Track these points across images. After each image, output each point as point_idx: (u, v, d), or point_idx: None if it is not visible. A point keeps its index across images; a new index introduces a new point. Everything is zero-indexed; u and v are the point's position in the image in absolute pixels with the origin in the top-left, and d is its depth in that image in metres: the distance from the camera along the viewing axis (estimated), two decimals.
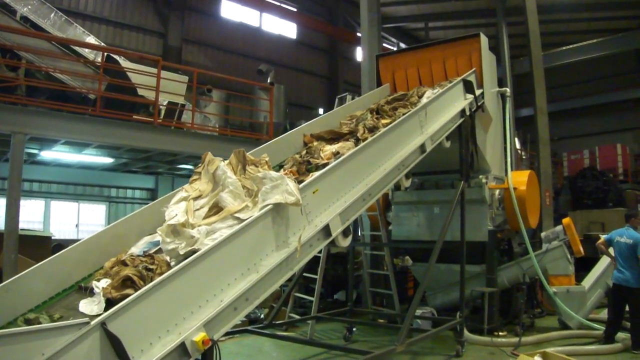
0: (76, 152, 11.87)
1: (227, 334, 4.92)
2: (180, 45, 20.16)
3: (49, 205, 16.67)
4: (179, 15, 20.27)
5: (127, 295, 3.36)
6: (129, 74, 11.10)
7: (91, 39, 12.87)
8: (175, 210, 4.49)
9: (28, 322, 3.65)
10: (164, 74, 11.11)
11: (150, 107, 11.25)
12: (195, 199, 4.71)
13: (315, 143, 6.70)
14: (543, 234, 9.77)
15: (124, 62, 12.06)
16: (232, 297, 3.65)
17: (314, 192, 4.61)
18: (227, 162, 4.97)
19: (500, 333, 8.62)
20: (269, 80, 18.10)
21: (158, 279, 3.31)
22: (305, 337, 8.66)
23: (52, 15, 11.92)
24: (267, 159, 5.31)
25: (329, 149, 6.28)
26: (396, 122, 6.33)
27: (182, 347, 3.25)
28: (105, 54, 11.31)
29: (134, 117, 11.00)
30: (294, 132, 6.99)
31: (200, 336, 3.32)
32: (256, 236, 4.06)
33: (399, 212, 10.25)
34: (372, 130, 6.73)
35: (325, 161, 5.84)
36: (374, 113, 7.70)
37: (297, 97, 24.05)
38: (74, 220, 17.31)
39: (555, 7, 19.14)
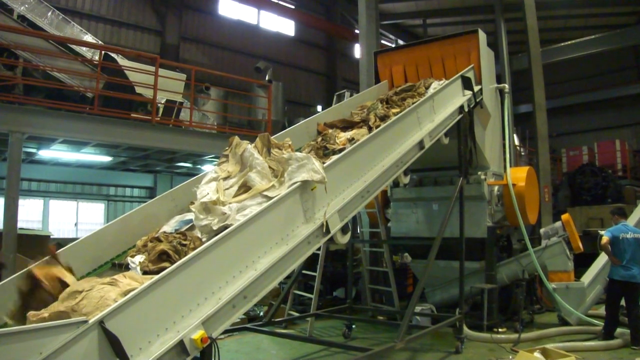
0: (74, 150, 11.85)
1: (225, 331, 4.93)
2: (178, 43, 20.13)
3: (48, 204, 16.66)
4: (177, 13, 20.24)
5: (164, 268, 3.58)
6: (126, 72, 11.08)
7: (89, 38, 12.83)
8: (207, 189, 4.77)
9: None
10: (161, 72, 11.08)
11: (148, 105, 11.23)
12: (225, 179, 5.01)
13: (330, 131, 6.95)
14: (542, 230, 9.78)
15: (121, 61, 12.02)
16: (231, 294, 3.65)
17: (312, 189, 4.61)
18: (253, 145, 5.23)
19: (500, 329, 8.63)
20: (267, 78, 18.08)
21: (156, 278, 3.30)
22: (305, 335, 8.67)
23: (50, 13, 11.88)
24: (290, 142, 5.57)
25: (344, 135, 6.62)
26: (393, 119, 6.34)
27: (180, 345, 3.24)
28: (103, 52, 11.28)
29: (132, 115, 10.98)
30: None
31: (198, 334, 3.31)
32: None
33: (397, 209, 10.24)
34: (383, 118, 7.01)
35: (341, 146, 6.15)
36: (384, 103, 7.87)
37: (295, 95, 24.03)
38: (73, 219, 17.30)
39: (553, 3, 19.15)
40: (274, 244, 4.14)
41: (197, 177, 5.31)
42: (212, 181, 4.96)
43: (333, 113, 7.71)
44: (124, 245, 4.75)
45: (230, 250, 3.81)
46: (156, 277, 3.33)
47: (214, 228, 4.27)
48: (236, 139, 5.39)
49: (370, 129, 6.71)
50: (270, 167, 4.92)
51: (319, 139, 6.74)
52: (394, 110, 7.38)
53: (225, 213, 4.34)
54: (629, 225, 8.15)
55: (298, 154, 4.89)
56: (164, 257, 4.08)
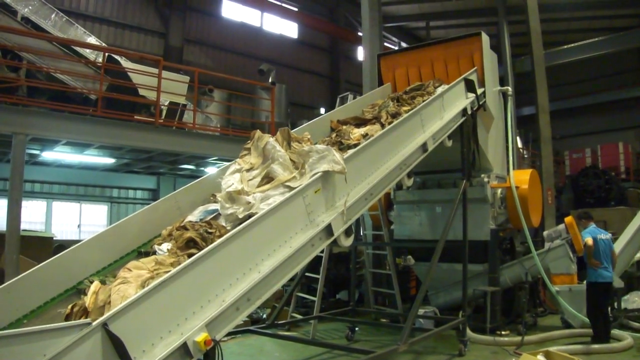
0: (77, 152, 11.87)
1: (229, 334, 4.95)
2: (182, 45, 20.16)
3: (51, 205, 16.66)
4: (180, 16, 20.27)
5: (192, 254, 3.81)
6: (130, 74, 11.10)
7: (92, 40, 12.88)
8: (231, 180, 5.04)
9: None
10: (165, 74, 11.10)
11: (151, 108, 11.25)
12: (248, 170, 5.28)
13: (344, 127, 7.16)
14: (545, 233, 9.74)
15: (125, 63, 12.06)
16: (234, 297, 3.65)
17: (315, 192, 4.61)
18: (274, 138, 5.49)
19: (503, 332, 8.61)
20: (270, 80, 18.09)
21: (159, 280, 3.30)
22: (308, 337, 8.65)
23: (53, 15, 11.92)
24: (309, 136, 5.85)
25: (358, 131, 6.84)
26: (398, 121, 6.35)
27: (184, 347, 3.24)
28: (106, 54, 11.31)
29: (135, 117, 11.00)
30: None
31: (202, 336, 3.31)
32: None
33: (401, 212, 10.24)
34: (395, 115, 7.22)
35: (356, 142, 6.33)
36: (395, 101, 8.02)
37: (299, 97, 24.03)
38: (76, 221, 17.31)
39: (556, 5, 19.14)
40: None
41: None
42: (235, 172, 5.22)
43: (336, 115, 7.75)
44: (148, 235, 4.99)
45: (236, 250, 3.82)
46: (159, 279, 3.33)
47: (240, 216, 4.50)
48: (258, 132, 5.62)
49: (382, 126, 6.92)
50: (291, 159, 5.14)
51: (334, 135, 6.92)
52: (404, 108, 7.56)
53: (250, 202, 4.58)
54: (598, 228, 8.27)
55: (319, 146, 5.12)
56: (191, 244, 4.27)
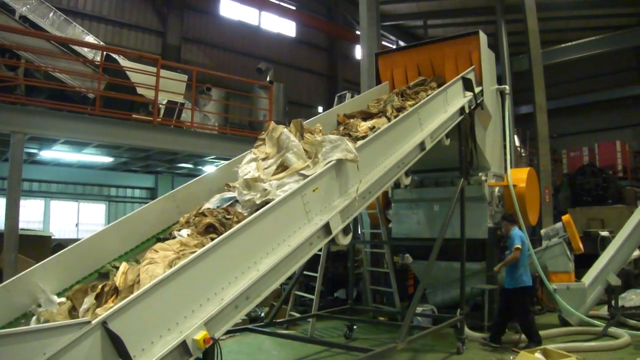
0: (76, 151, 11.87)
1: (227, 332, 4.96)
2: (180, 44, 20.14)
3: (49, 204, 16.65)
4: (178, 14, 20.26)
5: (212, 239, 4.01)
6: (128, 73, 11.08)
7: (90, 38, 12.86)
8: (248, 168, 5.28)
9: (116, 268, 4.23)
10: (163, 72, 11.10)
11: (149, 106, 11.24)
12: (263, 159, 5.51)
13: (351, 120, 7.38)
14: (543, 231, 9.78)
15: (123, 61, 12.04)
16: (233, 295, 3.66)
17: (313, 190, 4.63)
18: (287, 129, 5.72)
19: None
20: (268, 79, 18.07)
21: (158, 278, 3.32)
22: (306, 335, 8.67)
23: (51, 14, 11.90)
24: (320, 127, 6.13)
25: (365, 124, 7.09)
26: (397, 119, 6.37)
27: (183, 345, 3.26)
28: (105, 53, 11.29)
29: (134, 116, 10.99)
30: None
31: (201, 335, 3.32)
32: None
33: (399, 210, 10.25)
34: (400, 109, 7.45)
35: (363, 134, 6.56)
36: (399, 96, 8.21)
37: (297, 96, 24.01)
38: (74, 220, 17.29)
39: (554, 4, 19.15)
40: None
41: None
42: (252, 161, 5.45)
43: (339, 111, 7.86)
44: (166, 223, 5.21)
45: (235, 248, 3.83)
46: (158, 278, 3.35)
47: (257, 202, 4.73)
48: (272, 123, 5.89)
49: (388, 120, 7.12)
50: (304, 149, 5.37)
51: (341, 128, 7.10)
52: (409, 103, 7.76)
53: (267, 189, 4.82)
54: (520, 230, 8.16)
55: (331, 136, 5.30)
56: (210, 229, 4.47)
